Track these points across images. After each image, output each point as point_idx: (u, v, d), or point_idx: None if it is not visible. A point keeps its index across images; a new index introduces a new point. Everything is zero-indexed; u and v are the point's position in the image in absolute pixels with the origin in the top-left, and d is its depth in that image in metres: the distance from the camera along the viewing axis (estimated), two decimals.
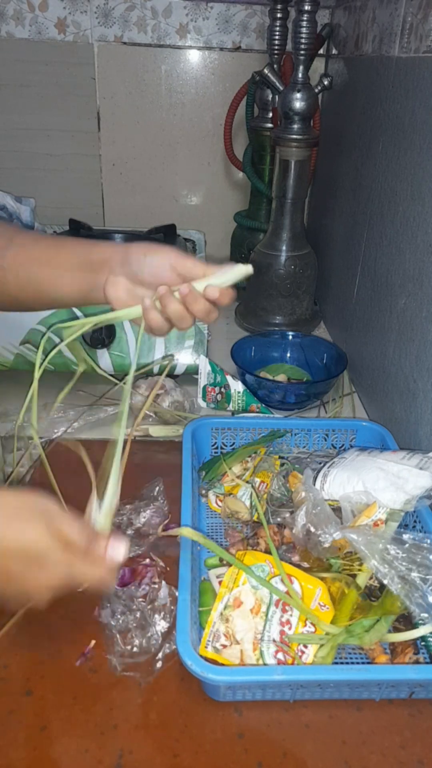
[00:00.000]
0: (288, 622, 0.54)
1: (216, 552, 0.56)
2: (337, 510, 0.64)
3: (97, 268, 0.58)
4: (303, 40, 0.99)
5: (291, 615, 0.54)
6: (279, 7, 1.10)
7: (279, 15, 1.11)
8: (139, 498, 0.70)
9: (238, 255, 1.32)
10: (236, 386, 0.90)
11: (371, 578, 0.59)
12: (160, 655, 0.54)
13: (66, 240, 0.62)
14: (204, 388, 0.92)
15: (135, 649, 0.54)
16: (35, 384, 0.58)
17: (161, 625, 0.56)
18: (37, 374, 0.58)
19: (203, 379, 0.92)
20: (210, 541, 0.57)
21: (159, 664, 0.54)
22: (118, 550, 0.47)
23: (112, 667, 0.53)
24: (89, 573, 0.47)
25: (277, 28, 1.12)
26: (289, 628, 0.53)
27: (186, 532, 0.56)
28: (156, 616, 0.56)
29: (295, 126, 1.04)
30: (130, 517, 0.67)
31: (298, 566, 0.59)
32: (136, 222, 1.34)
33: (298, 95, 1.02)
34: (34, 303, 0.64)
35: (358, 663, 0.55)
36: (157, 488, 0.71)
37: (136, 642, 0.54)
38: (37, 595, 0.46)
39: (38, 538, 0.44)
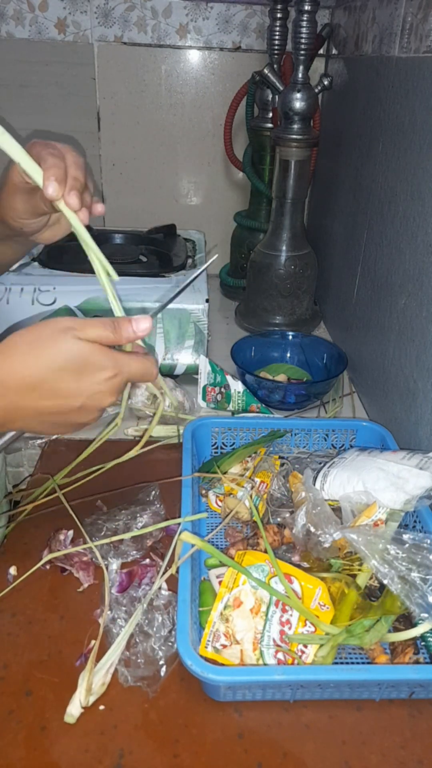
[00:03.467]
0: (288, 622, 0.54)
1: (214, 555, 0.56)
2: (337, 510, 0.64)
3: (12, 235, 0.60)
4: (303, 40, 0.99)
5: (291, 615, 0.54)
6: (279, 7, 1.10)
7: (279, 15, 1.11)
8: (135, 503, 0.70)
9: (238, 255, 1.32)
10: (236, 386, 0.90)
11: (371, 578, 0.60)
12: (160, 653, 0.54)
13: None
14: (204, 388, 0.92)
15: (140, 653, 0.54)
16: None
17: (161, 625, 0.56)
18: None
19: (203, 379, 0.92)
20: (208, 544, 0.56)
21: (163, 669, 0.54)
22: (142, 323, 0.49)
23: (122, 678, 0.53)
24: (133, 365, 0.49)
25: (277, 28, 1.12)
26: (289, 628, 0.53)
27: (185, 536, 0.56)
28: (156, 616, 0.56)
29: (295, 126, 1.04)
30: (127, 522, 0.67)
31: (298, 566, 0.59)
32: (136, 222, 1.34)
33: (298, 95, 1.02)
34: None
35: (358, 663, 0.55)
36: (153, 493, 0.71)
37: (140, 648, 0.54)
38: (98, 403, 0.48)
39: (76, 347, 0.46)
